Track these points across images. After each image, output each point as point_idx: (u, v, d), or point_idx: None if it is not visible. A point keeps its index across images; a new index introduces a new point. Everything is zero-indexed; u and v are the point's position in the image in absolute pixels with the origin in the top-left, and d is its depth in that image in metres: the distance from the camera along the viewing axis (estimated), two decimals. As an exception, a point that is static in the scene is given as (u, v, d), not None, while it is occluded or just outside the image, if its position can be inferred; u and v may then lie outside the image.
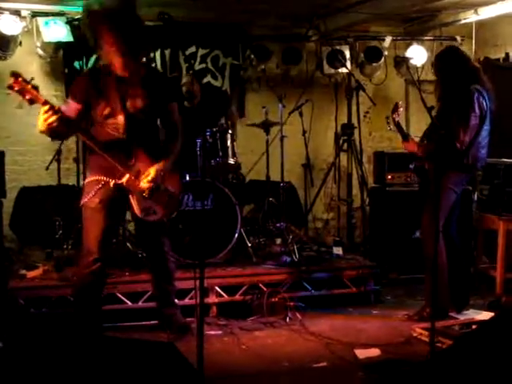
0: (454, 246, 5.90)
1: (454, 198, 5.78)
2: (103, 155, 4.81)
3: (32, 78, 4.51)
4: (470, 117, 5.53)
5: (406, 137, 5.92)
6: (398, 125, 5.97)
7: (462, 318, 5.78)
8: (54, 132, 4.65)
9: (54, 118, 4.50)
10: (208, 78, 8.39)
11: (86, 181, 5.09)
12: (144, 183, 4.90)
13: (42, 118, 4.53)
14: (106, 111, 4.88)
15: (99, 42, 4.80)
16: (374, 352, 5.10)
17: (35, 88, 4.50)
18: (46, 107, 4.50)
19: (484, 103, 5.61)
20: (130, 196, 4.92)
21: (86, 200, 4.95)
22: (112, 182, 4.86)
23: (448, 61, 5.83)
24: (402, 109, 6.06)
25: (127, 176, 4.85)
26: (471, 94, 5.56)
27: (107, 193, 4.90)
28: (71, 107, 4.88)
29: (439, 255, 5.58)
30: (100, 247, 4.91)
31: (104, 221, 4.91)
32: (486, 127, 5.70)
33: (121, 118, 4.89)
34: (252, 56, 8.40)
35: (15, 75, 4.38)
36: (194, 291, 5.65)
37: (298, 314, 6.02)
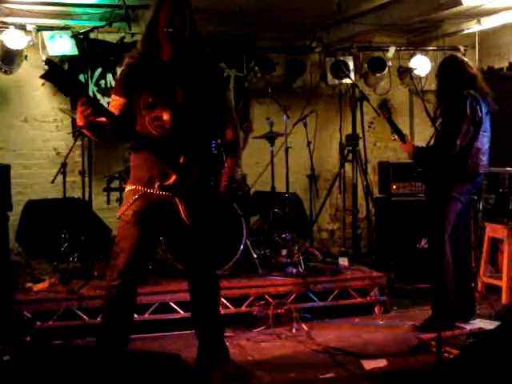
0: (461, 256, 5.89)
1: (459, 208, 5.74)
2: (147, 155, 4.29)
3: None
4: (461, 121, 5.52)
5: (403, 137, 5.88)
6: (390, 120, 5.91)
7: (468, 327, 5.76)
8: (94, 127, 4.12)
9: (90, 109, 3.97)
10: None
11: (126, 189, 4.53)
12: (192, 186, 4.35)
13: (78, 111, 4.02)
14: (150, 100, 4.31)
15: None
16: (381, 362, 5.08)
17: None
18: (84, 99, 3.99)
19: (479, 108, 5.60)
20: (177, 200, 4.32)
21: (120, 212, 4.42)
22: (157, 185, 4.26)
23: (446, 68, 5.85)
24: (392, 104, 6.01)
25: (174, 177, 4.28)
26: (463, 99, 5.55)
27: (144, 205, 4.33)
28: (115, 104, 4.36)
29: (446, 265, 5.58)
30: (128, 264, 4.31)
31: (137, 236, 4.32)
32: (485, 133, 5.68)
33: (166, 112, 4.31)
34: (256, 68, 8.42)
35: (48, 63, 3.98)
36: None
37: (304, 325, 6.01)
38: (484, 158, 5.72)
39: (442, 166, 5.49)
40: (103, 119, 4.09)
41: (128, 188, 4.45)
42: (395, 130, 5.90)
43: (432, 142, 5.89)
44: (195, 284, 4.69)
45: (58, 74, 3.91)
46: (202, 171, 4.42)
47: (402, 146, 5.95)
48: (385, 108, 5.97)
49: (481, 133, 5.65)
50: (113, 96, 4.41)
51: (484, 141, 5.69)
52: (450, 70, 5.79)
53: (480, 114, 5.60)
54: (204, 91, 4.42)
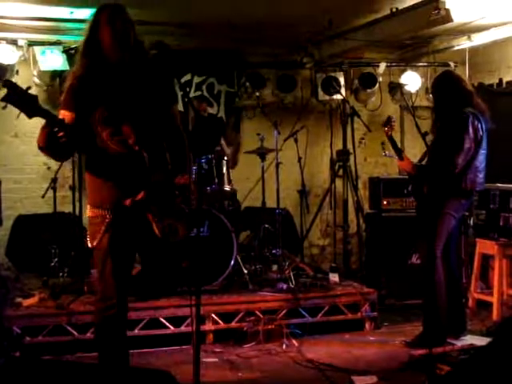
0: (452, 272, 5.89)
1: (453, 224, 5.75)
2: (108, 173, 4.13)
3: (29, 87, 3.89)
4: (464, 139, 5.53)
5: (400, 154, 5.91)
6: (390, 138, 5.95)
7: (459, 343, 5.75)
8: (57, 148, 4.00)
9: (62, 132, 3.87)
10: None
11: (89, 214, 4.29)
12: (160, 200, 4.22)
13: (43, 132, 3.94)
14: (106, 115, 4.14)
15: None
16: (371, 379, 5.06)
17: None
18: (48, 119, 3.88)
19: (479, 126, 5.61)
20: (148, 215, 4.20)
21: (94, 244, 4.23)
22: (127, 202, 4.11)
23: (442, 84, 5.86)
24: (395, 123, 6.03)
25: (143, 192, 4.12)
26: (466, 117, 5.57)
27: (116, 229, 4.17)
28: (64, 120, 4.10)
29: (438, 281, 5.58)
30: (118, 291, 4.24)
31: (119, 263, 4.22)
32: (483, 151, 5.70)
33: (126, 126, 4.15)
34: (247, 83, 8.44)
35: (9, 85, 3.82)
36: (190, 318, 5.63)
37: (294, 341, 6.00)
38: (481, 176, 5.73)
39: (439, 183, 5.50)
40: (64, 139, 3.93)
41: (93, 214, 4.25)
42: (394, 147, 5.93)
43: (424, 157, 5.90)
44: None
45: (19, 95, 3.82)
46: (167, 181, 4.30)
47: (399, 163, 5.97)
48: (389, 125, 5.98)
49: (480, 150, 5.66)
50: (61, 112, 4.17)
51: (481, 159, 5.70)
52: (447, 86, 5.79)
53: (481, 133, 5.61)
54: (153, 102, 4.30)
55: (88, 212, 4.33)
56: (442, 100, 5.81)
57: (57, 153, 4.13)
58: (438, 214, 5.49)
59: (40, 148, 4.11)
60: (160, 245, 4.44)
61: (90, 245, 4.28)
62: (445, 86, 5.82)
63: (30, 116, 3.87)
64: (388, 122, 6.00)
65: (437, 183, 5.51)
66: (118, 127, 4.13)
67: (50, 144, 3.96)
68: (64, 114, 4.16)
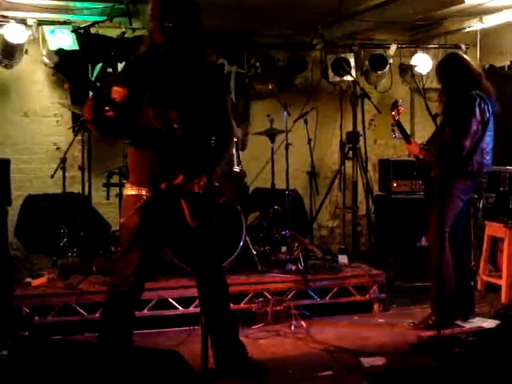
0: (460, 254, 5.89)
1: (460, 206, 5.75)
2: (149, 152, 4.15)
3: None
4: (471, 122, 5.51)
5: (407, 138, 5.89)
6: (398, 123, 5.92)
7: (468, 326, 5.76)
8: (101, 121, 3.96)
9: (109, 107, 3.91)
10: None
11: (126, 193, 4.37)
12: (198, 187, 4.18)
13: (88, 104, 3.88)
14: (155, 95, 4.16)
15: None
16: (380, 360, 5.07)
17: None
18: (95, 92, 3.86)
19: (486, 109, 5.59)
20: (183, 202, 4.19)
21: (124, 219, 4.27)
22: (163, 185, 4.09)
23: (449, 67, 5.83)
24: (402, 107, 6.00)
25: (181, 177, 4.11)
26: (473, 100, 5.54)
27: (149, 209, 4.19)
28: (118, 95, 4.16)
29: (445, 263, 5.57)
30: (140, 269, 4.25)
31: (146, 243, 4.25)
32: (490, 133, 5.68)
33: (173, 110, 4.13)
34: (257, 64, 8.41)
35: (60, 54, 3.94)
36: (198, 299, 5.63)
37: (303, 323, 6.01)
38: (488, 158, 5.72)
39: (447, 165, 5.47)
40: (110, 113, 3.94)
41: (129, 192, 4.30)
42: (401, 131, 5.91)
43: (431, 140, 5.88)
44: (204, 286, 4.62)
45: (69, 65, 3.77)
46: (206, 172, 4.24)
47: (407, 147, 5.95)
48: (396, 110, 5.95)
49: (486, 132, 5.64)
50: (115, 88, 4.20)
51: (488, 140, 5.69)
52: (455, 68, 5.76)
53: (487, 115, 5.59)
54: (206, 92, 4.34)
55: (125, 189, 4.39)
56: (450, 81, 5.77)
57: (103, 128, 4.10)
58: (445, 196, 5.47)
59: (86, 121, 4.12)
60: (190, 234, 4.36)
61: (120, 221, 4.34)
62: (453, 68, 5.79)
63: (77, 88, 3.83)
64: (395, 105, 5.97)
65: (444, 165, 5.48)
66: (165, 109, 4.12)
67: (97, 118, 3.93)
68: (117, 90, 4.19)
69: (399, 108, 5.95)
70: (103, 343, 4.38)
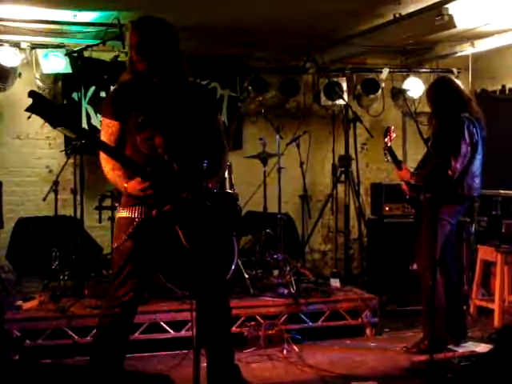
0: (450, 278, 5.88)
1: (448, 230, 5.75)
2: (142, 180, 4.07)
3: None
4: (460, 145, 5.53)
5: (399, 164, 5.91)
6: (389, 150, 5.94)
7: (460, 350, 5.75)
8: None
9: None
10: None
11: (118, 215, 4.36)
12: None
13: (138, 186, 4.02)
14: (140, 120, 4.12)
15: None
16: (372, 385, 5.06)
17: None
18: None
19: (475, 131, 5.62)
20: (177, 226, 4.14)
21: (117, 243, 4.23)
22: (154, 211, 4.08)
23: (439, 90, 5.86)
24: (394, 134, 6.01)
25: (168, 206, 4.09)
26: (462, 122, 5.57)
27: (142, 234, 4.17)
28: (111, 130, 4.20)
29: (436, 287, 5.56)
30: (132, 296, 4.22)
31: (140, 268, 4.21)
32: (479, 156, 5.70)
33: (158, 134, 4.11)
34: (250, 88, 8.43)
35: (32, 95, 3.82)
36: (190, 323, 5.61)
37: (295, 347, 5.99)
38: (477, 181, 5.74)
39: (437, 189, 5.48)
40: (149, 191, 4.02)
41: (121, 214, 4.27)
42: (393, 158, 5.91)
43: (421, 165, 5.89)
44: (206, 309, 4.41)
45: (44, 105, 3.81)
46: (197, 193, 4.16)
47: (398, 173, 5.95)
48: (389, 136, 5.96)
49: (476, 156, 5.66)
50: (106, 121, 4.23)
51: (477, 164, 5.71)
52: (444, 91, 5.79)
53: (476, 137, 5.62)
54: (195, 113, 4.31)
55: (117, 212, 4.40)
56: (440, 104, 5.80)
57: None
58: (434, 221, 5.46)
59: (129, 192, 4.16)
60: (187, 255, 4.25)
61: (114, 245, 4.28)
62: (444, 91, 5.82)
63: (54, 126, 3.86)
64: (387, 132, 5.99)
65: (433, 189, 5.49)
66: (150, 134, 4.11)
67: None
68: (108, 125, 4.21)
69: (391, 134, 5.97)
70: (94, 367, 4.33)
